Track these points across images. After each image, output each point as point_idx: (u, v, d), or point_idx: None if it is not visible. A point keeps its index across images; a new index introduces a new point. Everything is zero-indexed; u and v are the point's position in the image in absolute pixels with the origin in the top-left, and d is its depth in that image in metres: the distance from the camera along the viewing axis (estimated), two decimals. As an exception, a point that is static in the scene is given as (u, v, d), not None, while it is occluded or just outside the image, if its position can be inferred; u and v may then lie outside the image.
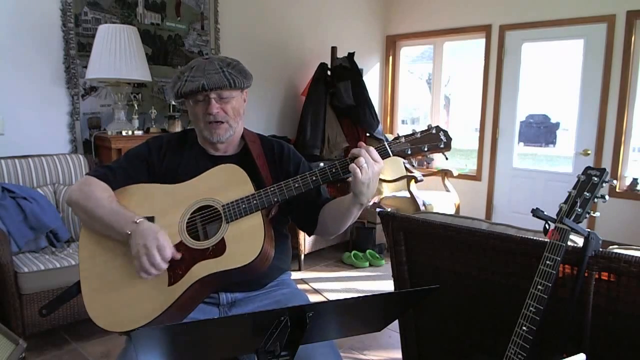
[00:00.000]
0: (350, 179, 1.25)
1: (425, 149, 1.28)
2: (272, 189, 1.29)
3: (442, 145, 1.28)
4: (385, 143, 1.27)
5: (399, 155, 1.28)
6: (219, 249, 1.26)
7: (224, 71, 1.37)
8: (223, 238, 1.27)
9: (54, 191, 2.85)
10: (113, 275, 1.29)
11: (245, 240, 1.26)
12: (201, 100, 1.38)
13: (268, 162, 1.48)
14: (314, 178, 1.28)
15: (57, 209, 2.78)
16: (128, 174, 1.42)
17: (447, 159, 1.35)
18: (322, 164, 3.85)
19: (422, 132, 1.28)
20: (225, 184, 1.34)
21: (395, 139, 1.28)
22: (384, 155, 1.26)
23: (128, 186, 1.39)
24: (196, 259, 1.26)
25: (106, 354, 2.43)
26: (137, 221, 1.26)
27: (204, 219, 1.32)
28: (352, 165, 1.21)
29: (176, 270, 1.26)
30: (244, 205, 1.28)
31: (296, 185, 1.29)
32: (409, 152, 1.27)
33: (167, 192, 1.37)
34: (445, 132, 1.29)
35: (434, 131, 1.28)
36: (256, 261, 1.24)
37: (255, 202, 1.28)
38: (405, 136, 1.28)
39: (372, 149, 1.23)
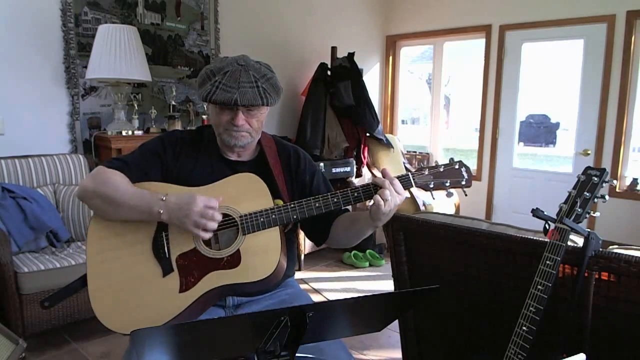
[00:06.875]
0: (369, 203, 1.26)
1: (447, 184, 1.29)
2: (292, 206, 1.28)
3: (463, 182, 1.29)
4: (409, 174, 1.28)
5: (421, 188, 1.29)
6: (234, 260, 1.25)
7: (259, 86, 1.31)
8: (238, 250, 1.26)
9: (54, 191, 2.85)
10: (122, 275, 1.27)
11: (261, 254, 1.25)
12: (228, 108, 1.34)
13: (283, 170, 1.46)
14: (335, 200, 1.28)
15: (57, 209, 2.78)
16: (143, 169, 1.37)
17: (466, 195, 1.36)
18: (321, 164, 3.85)
19: (445, 165, 1.29)
20: (244, 193, 1.31)
21: (419, 169, 1.29)
22: (407, 185, 1.27)
23: (145, 182, 1.35)
24: (209, 268, 1.25)
25: (106, 354, 2.43)
26: (164, 198, 1.25)
27: (218, 227, 1.29)
28: (377, 197, 1.22)
29: (188, 277, 1.24)
30: (262, 219, 1.27)
31: (317, 205, 1.28)
32: (432, 186, 1.29)
33: None
34: (467, 168, 1.30)
35: (456, 166, 1.29)
36: (271, 276, 1.24)
37: (274, 217, 1.27)
38: (429, 168, 1.29)
39: (396, 181, 1.24)
